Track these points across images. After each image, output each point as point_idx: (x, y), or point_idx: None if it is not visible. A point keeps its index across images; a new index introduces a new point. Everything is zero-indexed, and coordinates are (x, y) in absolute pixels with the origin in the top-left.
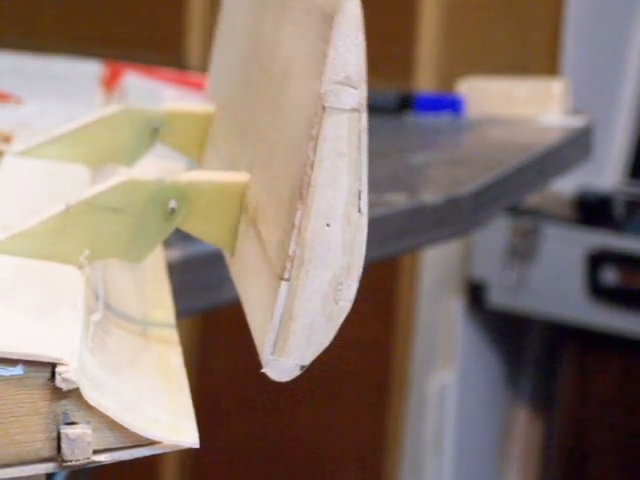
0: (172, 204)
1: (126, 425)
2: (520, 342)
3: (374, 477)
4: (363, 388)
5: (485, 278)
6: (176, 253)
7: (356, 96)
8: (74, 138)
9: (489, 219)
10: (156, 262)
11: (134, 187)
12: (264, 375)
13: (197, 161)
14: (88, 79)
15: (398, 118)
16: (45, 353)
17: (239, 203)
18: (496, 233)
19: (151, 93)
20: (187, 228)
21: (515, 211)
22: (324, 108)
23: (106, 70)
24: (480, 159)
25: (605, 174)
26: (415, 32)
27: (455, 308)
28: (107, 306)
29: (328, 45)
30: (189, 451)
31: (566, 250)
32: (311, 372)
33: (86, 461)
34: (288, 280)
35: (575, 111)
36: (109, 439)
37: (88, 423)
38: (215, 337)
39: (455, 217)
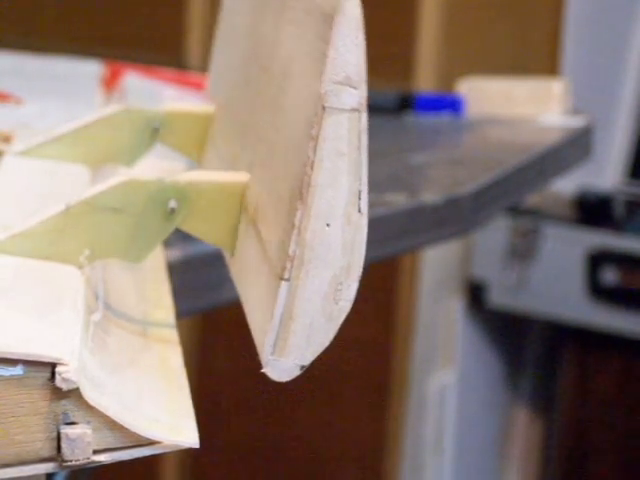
0: (172, 204)
1: (126, 425)
2: (520, 342)
3: (374, 477)
4: (363, 388)
5: (485, 278)
6: (176, 253)
7: (356, 96)
8: (74, 138)
9: (489, 219)
10: (156, 262)
11: (134, 187)
12: (264, 375)
13: (197, 161)
14: (88, 79)
15: (398, 118)
16: (45, 353)
17: (239, 203)
18: (496, 233)
19: (151, 93)
20: (187, 228)
21: (515, 211)
22: (324, 108)
23: (106, 70)
24: (480, 159)
25: (605, 174)
26: (415, 32)
27: (455, 308)
28: (107, 306)
29: (328, 45)
30: (189, 451)
31: (566, 250)
32: (311, 372)
33: (86, 461)
34: (288, 280)
35: (575, 111)
36: (109, 439)
37: (88, 423)
38: (215, 337)
39: (455, 217)
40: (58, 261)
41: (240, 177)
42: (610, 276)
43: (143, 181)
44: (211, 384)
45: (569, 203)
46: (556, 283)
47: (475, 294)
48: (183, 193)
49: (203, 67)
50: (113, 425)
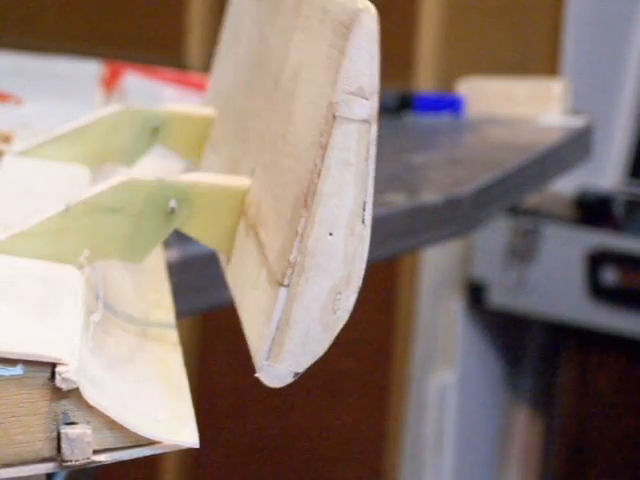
0: (172, 204)
1: (126, 425)
2: (520, 342)
3: (374, 477)
4: (363, 388)
5: (485, 278)
6: (176, 253)
7: (367, 107)
8: (74, 138)
9: (489, 219)
10: (156, 262)
11: (134, 187)
12: None
13: (196, 164)
14: (88, 79)
15: (398, 118)
16: (45, 353)
17: (239, 207)
18: (496, 233)
19: (151, 93)
20: (186, 229)
21: (515, 211)
22: (335, 117)
23: (106, 70)
24: (480, 159)
25: (605, 174)
26: (415, 32)
27: (455, 308)
28: (107, 306)
29: (342, 55)
30: (189, 451)
31: (566, 250)
32: (311, 372)
33: (86, 461)
34: (287, 286)
35: (575, 111)
36: (109, 439)
37: (88, 423)
38: (215, 337)
39: (455, 217)
40: (58, 261)
41: (241, 181)
42: (610, 276)
43: (143, 181)
44: (211, 384)
45: (569, 203)
46: (556, 283)
47: (475, 294)
48: (184, 193)
49: (203, 67)
50: (113, 425)
